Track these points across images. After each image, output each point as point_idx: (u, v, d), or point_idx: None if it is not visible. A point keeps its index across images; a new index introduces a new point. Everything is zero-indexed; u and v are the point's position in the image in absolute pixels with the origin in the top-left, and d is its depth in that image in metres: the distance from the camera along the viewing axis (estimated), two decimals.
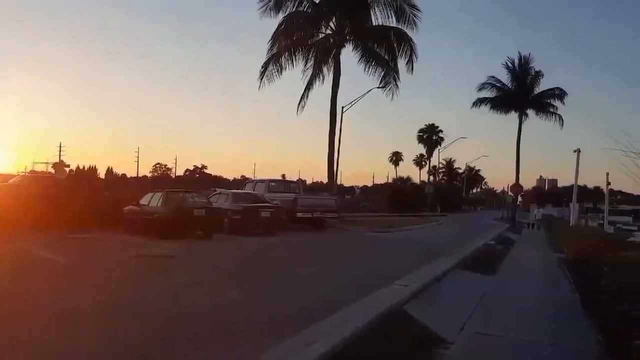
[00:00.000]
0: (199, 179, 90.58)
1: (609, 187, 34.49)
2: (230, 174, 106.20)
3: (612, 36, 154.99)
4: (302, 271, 11.03)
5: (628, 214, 49.04)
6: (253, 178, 44.02)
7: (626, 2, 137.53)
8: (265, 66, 30.13)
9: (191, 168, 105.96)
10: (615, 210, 48.36)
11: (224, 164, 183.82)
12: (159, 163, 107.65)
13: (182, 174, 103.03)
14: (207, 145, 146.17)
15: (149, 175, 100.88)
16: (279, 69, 30.00)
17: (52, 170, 35.47)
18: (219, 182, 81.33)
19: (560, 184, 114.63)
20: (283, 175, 50.76)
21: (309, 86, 30.38)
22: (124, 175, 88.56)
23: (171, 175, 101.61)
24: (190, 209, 16.98)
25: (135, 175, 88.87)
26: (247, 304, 7.28)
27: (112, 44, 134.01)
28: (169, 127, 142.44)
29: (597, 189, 73.50)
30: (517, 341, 6.93)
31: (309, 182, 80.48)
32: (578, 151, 32.57)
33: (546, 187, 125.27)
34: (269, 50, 30.22)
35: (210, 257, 12.94)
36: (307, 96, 30.58)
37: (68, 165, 37.80)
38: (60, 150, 73.69)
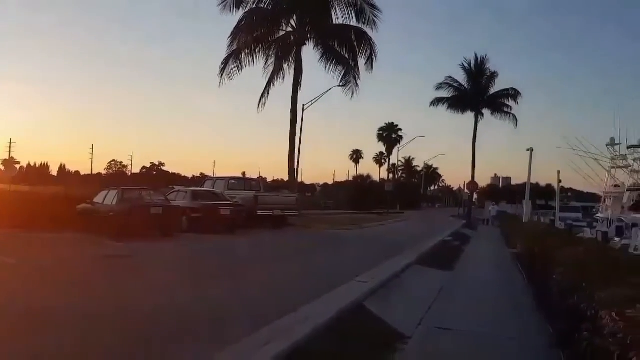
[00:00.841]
0: (157, 177, 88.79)
1: (560, 184, 35.82)
2: (189, 172, 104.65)
3: (563, 37, 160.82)
4: (261, 269, 10.97)
5: (578, 210, 50.82)
6: (213, 176, 43.45)
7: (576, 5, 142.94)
8: (225, 62, 29.85)
9: (148, 165, 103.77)
10: (566, 207, 50.03)
11: (183, 162, 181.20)
12: (114, 160, 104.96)
13: (138, 171, 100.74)
14: (165, 142, 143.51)
15: (103, 172, 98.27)
16: (239, 65, 29.79)
17: (2, 167, 34.02)
18: (177, 179, 79.93)
19: (514, 182, 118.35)
20: (243, 173, 50.36)
21: (269, 83, 30.29)
22: (77, 172, 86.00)
23: (127, 172, 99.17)
24: (147, 208, 16.61)
25: (90, 172, 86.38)
26: (200, 305, 7.12)
27: (65, 38, 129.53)
28: (125, 124, 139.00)
29: (549, 187, 75.98)
30: (473, 335, 7.11)
31: (269, 179, 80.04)
32: (531, 150, 33.74)
33: (501, 184, 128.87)
34: (228, 46, 29.95)
35: (161, 257, 12.64)
36: (268, 93, 30.49)
37: (19, 162, 36.33)
38: (10, 147, 70.81)
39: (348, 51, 29.73)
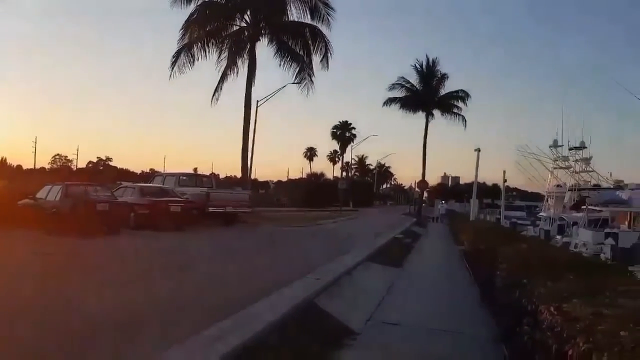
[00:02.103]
0: (103, 172, 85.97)
1: (506, 184, 37.13)
2: (138, 167, 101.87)
3: (510, 42, 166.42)
4: (211, 266, 10.79)
5: (522, 209, 52.90)
6: (163, 172, 42.45)
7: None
8: (176, 56, 29.22)
9: (95, 160, 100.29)
10: (511, 206, 52.00)
11: (132, 157, 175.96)
12: (58, 154, 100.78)
13: (84, 166, 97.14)
14: (113, 137, 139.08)
15: (47, 167, 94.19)
16: (191, 59, 29.23)
17: None
18: (125, 175, 77.66)
19: (462, 181, 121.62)
20: (195, 169, 49.59)
21: (223, 78, 29.88)
22: (19, 166, 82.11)
23: (72, 167, 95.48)
24: (92, 204, 16.08)
25: (33, 167, 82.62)
26: (143, 303, 6.94)
27: (4, 26, 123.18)
28: (71, 117, 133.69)
29: (495, 186, 78.75)
30: (420, 330, 7.28)
31: (222, 176, 79.12)
32: (478, 150, 34.66)
33: (450, 183, 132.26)
34: (180, 39, 29.35)
35: (90, 255, 12.11)
36: (221, 89, 30.09)
37: None
38: None
39: (302, 48, 29.73)
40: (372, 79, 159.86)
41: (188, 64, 29.21)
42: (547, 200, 39.20)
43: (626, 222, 25.13)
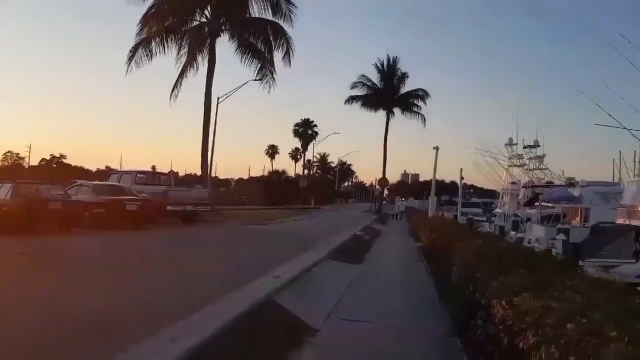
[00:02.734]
0: (57, 170, 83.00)
1: (463, 181, 37.99)
2: (93, 165, 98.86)
3: (469, 43, 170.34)
4: (167, 266, 10.51)
5: (478, 206, 54.24)
6: (119, 169, 41.39)
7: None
8: (133, 50, 28.62)
9: (48, 157, 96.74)
10: (468, 203, 53.26)
11: (87, 154, 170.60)
12: (10, 151, 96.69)
13: (37, 163, 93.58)
14: (67, 133, 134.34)
15: None
16: (149, 54, 28.71)
17: None
18: (80, 173, 75.20)
19: (422, 179, 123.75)
20: (153, 167, 48.46)
21: (182, 74, 29.46)
22: None
23: (24, 165, 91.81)
24: (44, 202, 15.53)
25: None
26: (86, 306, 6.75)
27: None
28: (23, 113, 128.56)
29: (454, 183, 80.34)
30: (378, 325, 7.36)
31: (182, 174, 77.69)
32: (437, 149, 35.41)
33: (410, 181, 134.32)
34: (137, 34, 28.73)
35: (40, 255, 11.56)
36: (181, 85, 29.68)
37: None
38: None
39: (264, 45, 29.57)
40: (334, 77, 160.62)
41: (146, 58, 28.72)
42: (503, 197, 40.28)
43: (577, 219, 26.09)
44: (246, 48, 29.41)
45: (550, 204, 27.76)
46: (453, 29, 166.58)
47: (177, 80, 29.58)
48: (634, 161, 24.71)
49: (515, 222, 31.51)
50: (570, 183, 30.81)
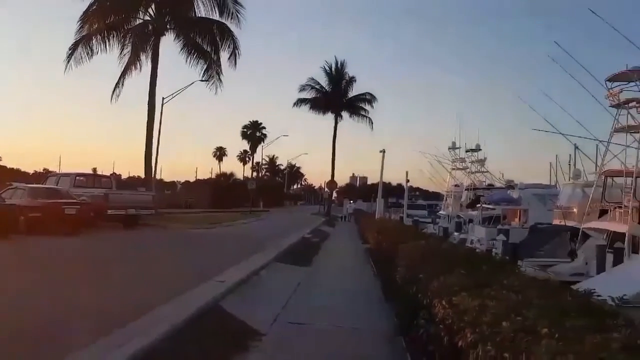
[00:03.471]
0: None
1: (409, 184, 38.85)
2: (31, 167, 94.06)
3: (413, 47, 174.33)
4: (105, 273, 10.08)
5: (424, 208, 55.70)
6: (57, 172, 39.61)
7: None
8: (73, 48, 27.54)
9: None
10: (414, 205, 54.54)
11: (24, 156, 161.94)
12: None
13: None
14: (2, 134, 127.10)
15: None
16: (90, 52, 27.70)
17: None
18: (16, 175, 71.41)
19: (370, 181, 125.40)
20: (94, 169, 46.65)
21: (124, 74, 28.60)
22: None
23: None
24: None
25: None
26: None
27: None
28: None
29: (400, 186, 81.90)
30: (324, 328, 7.38)
31: (125, 176, 75.24)
32: (383, 152, 35.99)
33: (358, 183, 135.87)
34: (77, 31, 27.65)
35: None
36: (123, 84, 28.82)
37: None
38: None
39: (210, 45, 29.14)
40: (284, 80, 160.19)
41: (86, 56, 27.68)
42: (446, 199, 41.57)
43: (516, 220, 27.24)
44: (192, 48, 28.90)
45: (491, 206, 28.87)
46: (401, 33, 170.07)
47: (119, 80, 28.74)
48: (569, 165, 26.12)
49: (458, 223, 32.55)
50: (510, 185, 32.17)
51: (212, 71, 29.07)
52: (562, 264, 16.59)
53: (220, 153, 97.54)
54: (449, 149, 42.09)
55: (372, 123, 47.53)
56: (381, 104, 72.00)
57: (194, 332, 6.02)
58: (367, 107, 47.51)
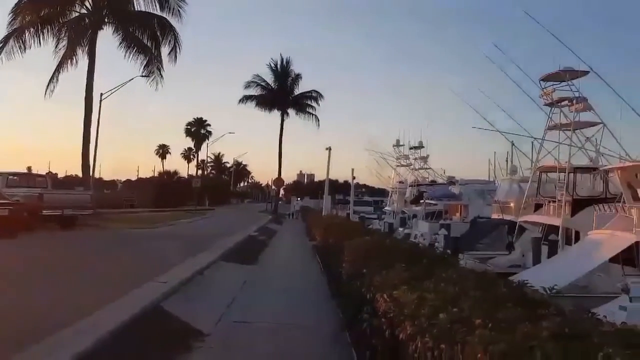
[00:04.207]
0: None
1: (355, 180, 39.26)
2: None
3: (361, 46, 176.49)
4: (40, 276, 9.61)
5: (370, 204, 56.54)
6: None
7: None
8: (4, 42, 26.11)
9: None
10: (360, 201, 55.23)
11: None
12: None
13: None
14: None
15: None
16: (22, 45, 26.29)
17: None
18: None
19: (317, 178, 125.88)
20: (29, 168, 44.39)
21: (59, 68, 27.36)
22: None
23: None
24: None
25: None
26: None
27: None
28: None
29: (347, 183, 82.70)
30: (270, 326, 7.33)
31: (61, 175, 72.03)
32: (329, 149, 36.14)
33: (305, 181, 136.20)
34: (9, 23, 26.23)
35: None
36: (57, 80, 27.56)
37: None
38: None
39: (151, 40, 28.30)
40: (230, 76, 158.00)
41: (18, 50, 26.27)
42: (391, 196, 42.32)
43: (457, 214, 28.08)
44: (131, 42, 27.94)
45: (433, 202, 29.64)
46: (346, 31, 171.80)
47: (54, 74, 27.47)
48: (507, 161, 27.19)
49: (402, 219, 33.22)
50: (451, 182, 33.13)
51: (153, 66, 28.27)
52: (500, 257, 17.23)
53: (163, 151, 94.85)
54: (394, 146, 42.94)
55: (318, 120, 47.72)
56: (328, 101, 72.57)
57: (132, 336, 5.83)
58: (314, 104, 47.65)
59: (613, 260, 11.90)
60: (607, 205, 14.19)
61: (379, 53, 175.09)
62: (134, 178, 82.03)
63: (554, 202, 16.98)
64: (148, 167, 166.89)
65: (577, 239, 15.06)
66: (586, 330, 2.34)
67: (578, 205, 16.22)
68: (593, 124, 17.86)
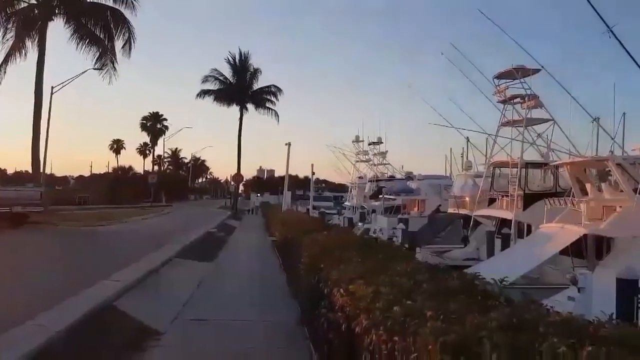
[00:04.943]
0: None
1: (315, 176, 39.30)
2: None
3: (321, 41, 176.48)
4: None
5: (330, 199, 56.73)
6: None
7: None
8: None
9: None
10: (320, 197, 55.37)
11: None
12: None
13: None
14: None
15: None
16: None
17: None
18: None
19: (277, 174, 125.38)
20: None
21: (7, 60, 26.41)
22: None
23: None
24: None
25: None
26: None
27: None
28: None
29: (307, 178, 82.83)
30: (228, 323, 7.26)
31: (10, 172, 69.12)
32: (289, 144, 35.97)
33: (265, 176, 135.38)
34: None
35: None
36: (6, 71, 26.42)
37: None
38: None
39: (103, 32, 27.46)
40: (188, 71, 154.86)
41: None
42: (351, 191, 42.61)
43: (415, 209, 28.53)
44: (83, 34, 27.05)
45: (392, 197, 30.01)
46: (303, 27, 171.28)
47: (1, 66, 26.45)
48: (462, 157, 27.80)
49: (362, 214, 33.52)
50: (409, 177, 33.64)
51: (106, 59, 27.45)
52: (456, 250, 17.62)
53: (117, 146, 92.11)
54: (353, 142, 43.20)
55: (278, 116, 47.40)
56: (289, 97, 72.37)
57: (84, 336, 5.66)
58: (273, 99, 47.26)
59: (563, 252, 12.30)
60: (557, 199, 14.64)
61: (340, 49, 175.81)
62: (87, 174, 79.55)
63: (507, 196, 17.42)
64: (102, 162, 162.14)
65: (529, 232, 15.52)
66: (533, 321, 2.40)
67: (529, 199, 16.70)
68: (544, 121, 18.42)
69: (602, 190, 13.37)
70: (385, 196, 30.18)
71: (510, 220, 16.50)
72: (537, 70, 17.69)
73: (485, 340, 2.14)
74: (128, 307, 7.27)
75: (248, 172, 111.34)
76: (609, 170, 13.72)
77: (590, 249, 12.40)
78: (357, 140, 42.81)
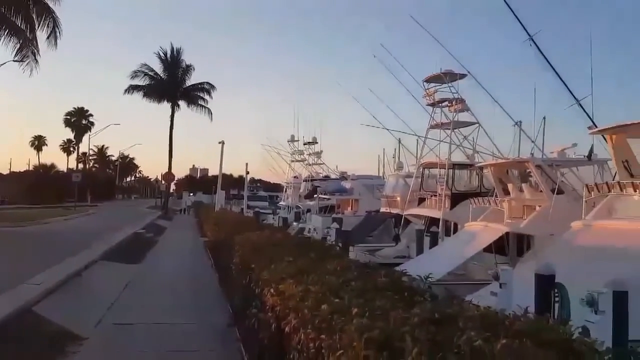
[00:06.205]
0: None
1: (249, 175, 38.99)
2: None
3: (256, 39, 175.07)
4: None
5: (265, 199, 56.40)
6: None
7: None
8: None
9: None
10: (255, 196, 54.97)
11: None
12: None
13: None
14: None
15: None
16: None
17: None
18: None
19: (211, 173, 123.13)
20: None
21: None
22: None
23: None
24: None
25: None
26: None
27: None
28: None
29: (242, 178, 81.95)
30: (155, 326, 7.06)
31: None
32: (222, 143, 35.40)
33: (198, 175, 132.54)
34: None
35: None
36: None
37: None
38: None
39: (25, 22, 25.76)
40: (116, 65, 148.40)
41: None
42: (286, 190, 42.64)
43: (349, 208, 28.97)
44: (2, 24, 25.27)
45: (326, 196, 30.32)
46: (238, 24, 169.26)
47: None
48: (394, 158, 28.55)
49: (297, 213, 33.59)
50: (343, 177, 34.11)
51: (27, 51, 25.75)
52: (388, 248, 18.05)
53: (39, 142, 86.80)
54: (288, 141, 43.25)
55: (211, 114, 46.47)
56: (224, 95, 71.14)
57: (3, 341, 5.33)
58: (206, 97, 46.27)
59: (487, 249, 12.91)
60: (482, 199, 15.35)
61: (276, 48, 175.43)
62: (5, 172, 74.44)
63: (435, 196, 18.08)
64: (22, 160, 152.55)
65: (456, 230, 16.17)
66: (453, 315, 2.51)
67: (456, 199, 17.41)
68: (470, 124, 19.28)
69: (523, 190, 14.16)
70: (320, 196, 30.43)
71: (439, 219, 17.14)
72: (464, 75, 18.49)
73: (407, 335, 2.21)
74: (48, 312, 6.94)
75: (180, 171, 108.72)
76: (530, 172, 14.59)
77: (511, 246, 13.12)
78: (292, 139, 42.91)
